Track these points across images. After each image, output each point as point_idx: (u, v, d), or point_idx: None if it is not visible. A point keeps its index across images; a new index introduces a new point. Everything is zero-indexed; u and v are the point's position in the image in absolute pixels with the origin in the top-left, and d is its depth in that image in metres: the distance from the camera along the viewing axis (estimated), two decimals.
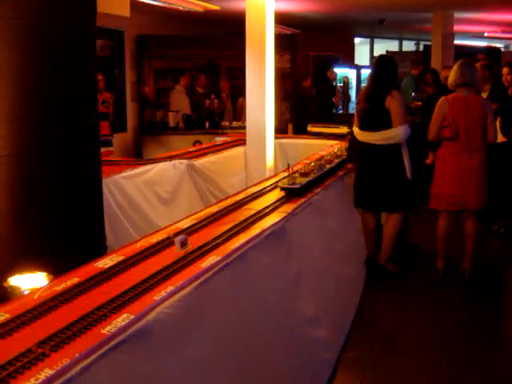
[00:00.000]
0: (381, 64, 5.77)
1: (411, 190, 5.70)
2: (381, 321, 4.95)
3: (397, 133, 5.45)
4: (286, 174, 5.52)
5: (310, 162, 5.56)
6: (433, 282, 5.65)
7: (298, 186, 4.62)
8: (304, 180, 4.80)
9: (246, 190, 4.98)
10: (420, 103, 6.91)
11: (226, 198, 4.60)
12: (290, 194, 4.59)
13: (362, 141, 5.72)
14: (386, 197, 5.65)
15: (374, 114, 5.56)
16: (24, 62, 3.42)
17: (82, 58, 3.71)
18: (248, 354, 2.95)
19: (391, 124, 5.44)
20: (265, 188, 4.89)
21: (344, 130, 9.14)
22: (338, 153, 6.27)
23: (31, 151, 3.48)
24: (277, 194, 4.68)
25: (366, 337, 4.57)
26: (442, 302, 5.25)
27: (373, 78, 5.81)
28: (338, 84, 15.34)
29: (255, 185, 5.16)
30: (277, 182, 5.14)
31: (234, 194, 4.74)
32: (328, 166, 5.61)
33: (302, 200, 4.52)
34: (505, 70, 7.47)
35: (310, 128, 9.34)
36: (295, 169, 5.17)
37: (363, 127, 5.68)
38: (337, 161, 5.97)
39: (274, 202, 4.32)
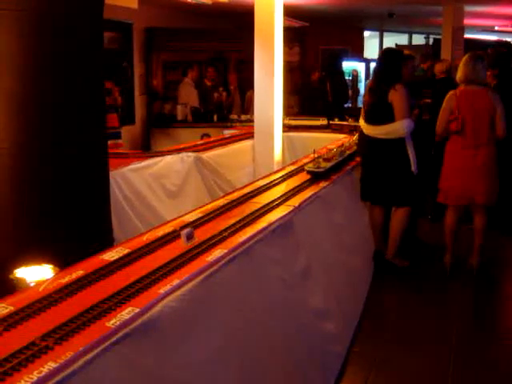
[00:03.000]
0: (385, 57, 5.75)
1: (418, 185, 5.66)
2: (388, 316, 4.94)
3: (399, 127, 5.40)
4: (293, 167, 5.55)
5: (332, 149, 5.94)
6: (441, 277, 5.63)
7: (322, 170, 5.05)
8: (328, 164, 5.20)
9: (253, 183, 4.96)
10: (429, 100, 6.86)
11: (234, 191, 4.59)
12: (316, 177, 4.99)
13: (367, 134, 5.70)
14: (392, 191, 5.62)
15: (377, 108, 5.53)
16: (28, 53, 3.41)
17: (87, 49, 3.69)
18: (255, 348, 2.93)
19: (393, 118, 5.41)
20: (272, 181, 4.88)
21: (324, 122, 9.06)
22: (356, 141, 6.33)
23: (34, 143, 3.47)
24: (284, 187, 4.67)
25: (373, 332, 4.55)
26: (449, 298, 5.23)
27: (377, 71, 5.78)
28: (347, 78, 15.29)
29: (263, 178, 5.14)
30: (284, 175, 5.14)
31: (242, 187, 4.72)
32: (348, 152, 5.91)
33: (314, 191, 4.54)
34: None
35: (287, 121, 8.98)
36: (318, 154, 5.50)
37: (368, 121, 5.66)
38: (355, 148, 6.14)
39: (281, 196, 4.30)
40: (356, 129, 8.59)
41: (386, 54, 5.85)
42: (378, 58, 6.00)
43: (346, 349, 4.14)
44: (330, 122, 9.08)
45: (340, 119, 9.13)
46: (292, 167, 5.57)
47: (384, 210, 5.84)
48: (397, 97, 5.38)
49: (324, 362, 3.77)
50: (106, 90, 8.06)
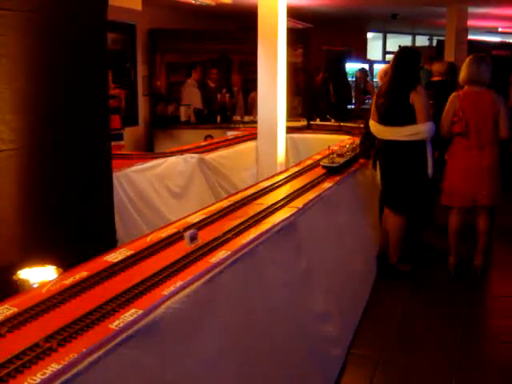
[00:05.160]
0: (405, 57, 5.51)
1: (426, 192, 5.58)
2: (391, 317, 4.91)
3: (422, 129, 5.27)
4: (296, 168, 5.56)
5: (345, 145, 6.29)
6: (445, 279, 5.61)
7: (337, 165, 5.33)
8: (342, 160, 5.49)
9: (257, 184, 4.95)
10: (431, 102, 6.81)
11: (237, 193, 4.58)
12: (331, 172, 5.26)
13: (382, 138, 5.56)
14: (401, 195, 5.55)
15: (397, 110, 5.37)
16: (36, 54, 3.41)
17: (93, 50, 3.70)
18: (257, 350, 2.93)
19: (415, 120, 5.27)
20: (276, 182, 4.87)
21: (304, 122, 9.03)
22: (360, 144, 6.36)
23: (42, 144, 3.47)
24: (288, 189, 4.67)
25: (377, 333, 4.55)
26: (453, 300, 5.21)
27: (396, 71, 5.46)
28: (351, 79, 15.27)
29: (266, 179, 5.14)
30: (287, 176, 5.14)
31: (245, 189, 4.72)
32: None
33: (318, 193, 4.51)
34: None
35: None
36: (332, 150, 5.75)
37: (385, 123, 5.47)
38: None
39: (284, 197, 4.30)
40: (341, 129, 8.68)
41: (405, 54, 5.57)
42: (397, 58, 5.55)
43: (346, 351, 4.13)
44: (311, 123, 9.06)
45: (331, 120, 9.16)
46: (296, 168, 5.58)
47: None
48: (419, 99, 5.25)
49: (325, 363, 3.76)
50: (113, 96, 8.07)
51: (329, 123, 9.13)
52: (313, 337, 3.69)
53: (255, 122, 7.98)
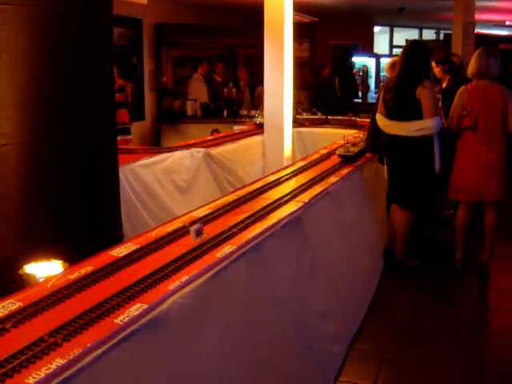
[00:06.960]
0: (414, 51, 5.45)
1: (432, 188, 5.56)
2: (397, 313, 4.90)
3: (429, 125, 5.23)
4: (303, 162, 5.54)
5: (358, 136, 6.58)
6: (450, 274, 5.59)
7: (352, 154, 5.64)
8: (356, 149, 5.82)
9: (263, 178, 4.94)
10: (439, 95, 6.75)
11: (243, 187, 4.57)
12: (346, 160, 5.57)
13: (389, 132, 5.52)
14: (407, 190, 5.52)
15: (403, 105, 5.33)
16: (38, 48, 3.40)
17: (97, 44, 3.69)
18: (260, 345, 2.92)
19: (421, 115, 5.23)
20: (282, 177, 4.86)
21: None
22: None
23: (44, 139, 3.46)
24: (294, 183, 4.65)
25: (383, 330, 4.53)
26: (459, 295, 5.20)
27: (404, 65, 5.40)
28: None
29: (272, 173, 5.12)
30: (294, 170, 5.12)
31: (251, 183, 4.70)
32: None
33: (323, 187, 4.49)
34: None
35: (258, 119, 8.80)
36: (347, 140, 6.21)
37: (391, 117, 5.44)
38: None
39: (290, 191, 4.28)
40: (327, 122, 8.69)
41: (414, 48, 5.52)
42: (405, 52, 5.49)
43: (347, 347, 4.12)
44: (297, 117, 9.02)
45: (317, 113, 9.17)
46: (302, 162, 5.56)
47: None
48: (425, 94, 5.20)
49: (326, 359, 3.75)
50: (120, 86, 8.06)
51: (315, 116, 9.13)
52: (315, 332, 3.68)
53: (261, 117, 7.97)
